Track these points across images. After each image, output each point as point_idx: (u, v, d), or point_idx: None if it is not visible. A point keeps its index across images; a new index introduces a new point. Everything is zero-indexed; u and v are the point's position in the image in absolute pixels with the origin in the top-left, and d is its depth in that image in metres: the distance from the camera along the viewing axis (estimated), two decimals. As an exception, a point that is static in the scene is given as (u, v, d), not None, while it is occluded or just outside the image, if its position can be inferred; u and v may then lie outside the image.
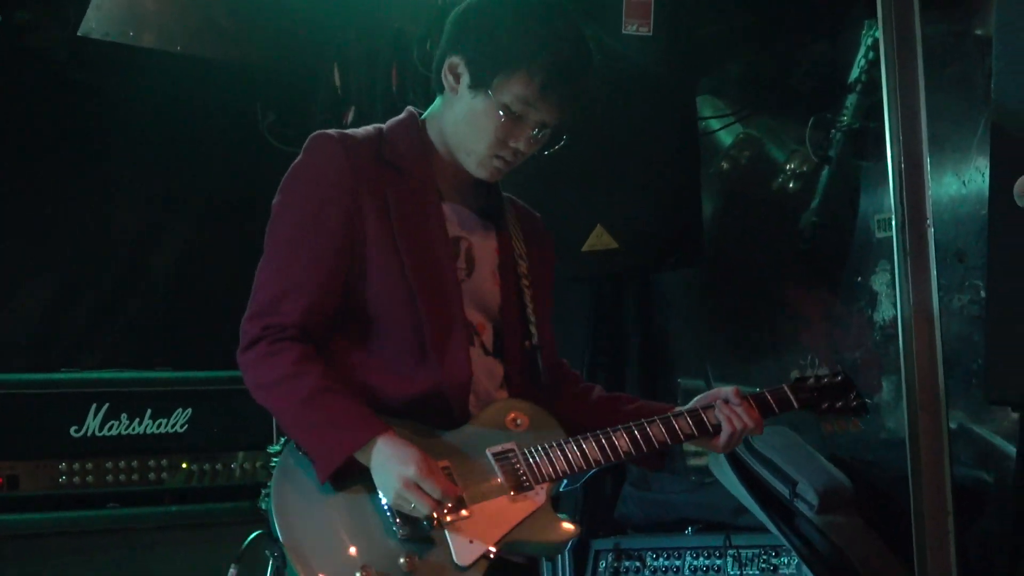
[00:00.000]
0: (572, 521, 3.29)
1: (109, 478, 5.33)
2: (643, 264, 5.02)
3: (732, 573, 5.17)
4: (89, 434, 5.33)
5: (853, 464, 5.47)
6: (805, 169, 6.04)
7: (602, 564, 5.49)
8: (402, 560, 3.14)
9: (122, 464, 5.36)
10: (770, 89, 5.96)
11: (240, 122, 6.69)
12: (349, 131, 3.33)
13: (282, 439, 3.32)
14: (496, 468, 3.23)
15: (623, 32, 4.92)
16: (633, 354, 6.29)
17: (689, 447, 6.27)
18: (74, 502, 5.31)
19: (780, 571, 5.08)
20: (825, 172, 5.93)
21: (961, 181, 5.50)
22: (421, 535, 3.17)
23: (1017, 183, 3.42)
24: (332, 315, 3.26)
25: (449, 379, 3.24)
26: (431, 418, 3.26)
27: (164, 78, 6.40)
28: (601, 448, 3.32)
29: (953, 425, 4.88)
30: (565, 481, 3.36)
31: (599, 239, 4.90)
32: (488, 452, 3.25)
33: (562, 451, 3.27)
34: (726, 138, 6.25)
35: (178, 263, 6.42)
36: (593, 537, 5.60)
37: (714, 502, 5.35)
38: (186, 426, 5.49)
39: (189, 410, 5.48)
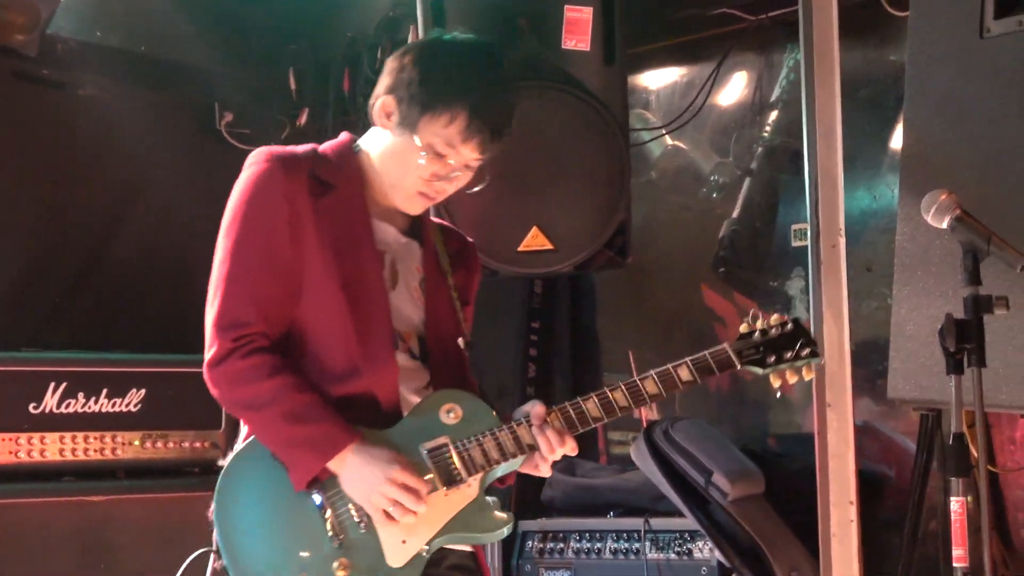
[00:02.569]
0: (504, 510, 3.23)
1: (66, 453, 5.30)
2: (575, 264, 5.01)
3: (650, 556, 5.19)
4: (47, 411, 5.29)
5: (764, 456, 5.52)
6: (728, 180, 6.07)
7: (528, 544, 5.50)
8: (335, 565, 3.12)
9: (78, 439, 5.33)
10: (697, 104, 5.97)
11: (199, 121, 6.65)
12: (288, 147, 3.31)
13: (234, 445, 3.28)
14: (429, 464, 3.17)
15: (562, 47, 4.92)
16: (563, 348, 6.31)
17: (613, 435, 6.31)
18: (32, 475, 5.28)
19: (695, 554, 5.10)
20: (746, 183, 5.98)
21: (872, 196, 5.55)
22: (355, 539, 3.14)
23: (924, 199, 3.44)
24: (288, 319, 3.23)
25: (378, 379, 3.20)
26: (368, 418, 3.20)
27: (128, 76, 6.36)
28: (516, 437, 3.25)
29: (858, 422, 4.92)
30: (500, 469, 3.24)
31: (535, 240, 4.89)
32: (422, 448, 3.18)
33: (494, 439, 3.20)
34: (655, 149, 6.27)
35: (138, 250, 6.37)
36: (520, 519, 5.60)
37: (634, 488, 5.38)
38: (140, 405, 5.46)
39: (143, 390, 5.45)
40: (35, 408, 5.27)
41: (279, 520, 3.17)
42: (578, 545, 5.39)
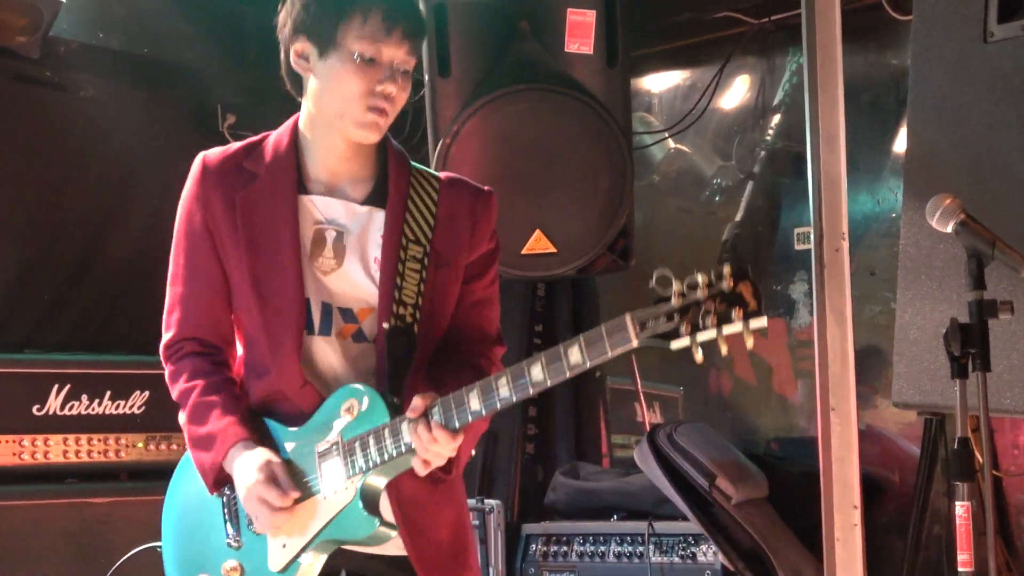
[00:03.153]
0: (375, 513, 2.98)
1: (69, 455, 5.30)
2: (577, 267, 5.02)
3: (654, 559, 5.19)
4: (51, 412, 5.30)
5: (767, 459, 5.52)
6: (730, 184, 6.08)
7: (532, 547, 5.50)
8: (227, 567, 3.12)
9: (82, 441, 5.33)
10: (699, 108, 5.98)
11: (201, 123, 6.66)
12: (224, 147, 3.25)
13: None
14: (317, 466, 3.05)
15: (565, 51, 4.93)
16: (565, 351, 6.30)
17: (616, 439, 6.31)
18: (35, 476, 5.28)
19: (698, 558, 5.10)
20: (749, 187, 5.98)
21: (875, 200, 5.56)
22: (247, 542, 3.12)
23: (928, 203, 3.44)
24: (227, 321, 3.21)
25: (282, 377, 3.10)
26: (283, 415, 3.13)
27: (130, 78, 6.36)
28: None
29: (861, 426, 4.92)
30: (386, 470, 2.99)
31: (538, 243, 4.91)
32: (316, 449, 3.06)
33: (377, 439, 2.98)
34: (658, 153, 6.28)
35: (138, 252, 6.37)
36: (524, 522, 5.61)
37: (638, 492, 5.37)
38: (143, 407, 5.47)
39: (147, 392, 5.46)
40: (38, 410, 5.27)
41: (193, 520, 3.21)
42: (582, 548, 5.39)
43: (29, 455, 5.24)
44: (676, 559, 5.16)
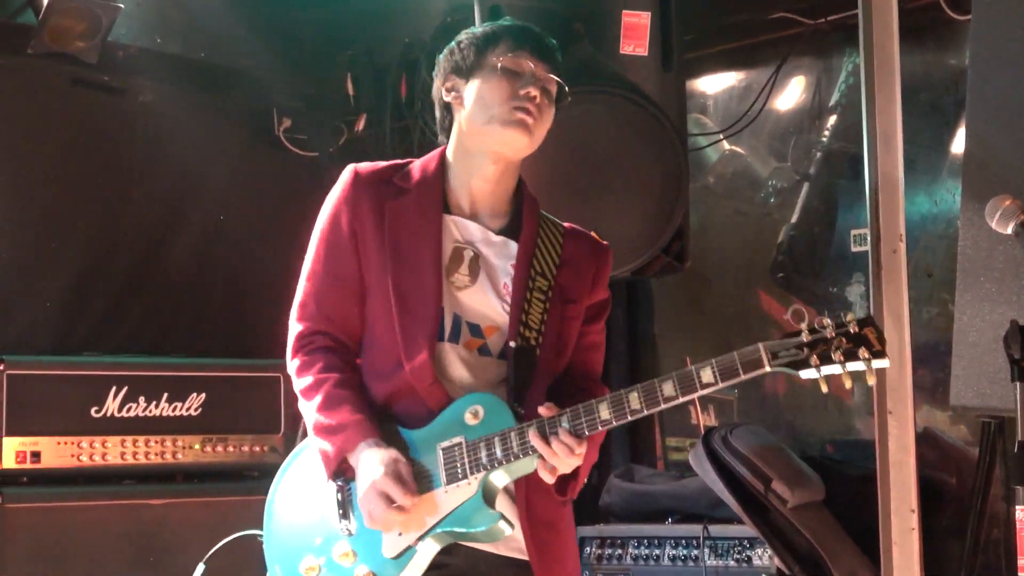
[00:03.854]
0: (496, 509, 3.17)
1: (127, 456, 5.34)
2: (632, 269, 5.00)
3: (709, 562, 5.17)
4: (108, 414, 5.34)
5: (823, 463, 5.47)
6: (786, 185, 6.04)
7: (587, 550, 5.48)
8: (339, 552, 3.25)
9: (139, 443, 5.37)
10: (755, 109, 5.95)
11: (257, 126, 6.70)
12: (374, 163, 3.47)
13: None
14: (440, 462, 3.23)
15: (620, 52, 4.91)
16: (620, 354, 6.29)
17: (670, 442, 6.29)
18: (92, 478, 5.32)
19: (754, 562, 5.07)
20: (804, 188, 5.94)
21: (933, 201, 5.51)
22: (361, 530, 3.24)
23: (988, 204, 3.41)
24: (358, 320, 3.39)
25: (415, 378, 3.27)
26: (410, 413, 3.30)
27: (187, 82, 6.41)
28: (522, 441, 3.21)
29: (919, 429, 4.88)
30: (507, 470, 3.19)
31: (592, 245, 4.89)
32: (438, 447, 3.24)
33: (502, 441, 3.18)
34: (712, 155, 6.25)
35: (196, 254, 6.42)
36: (579, 524, 5.58)
37: (693, 495, 5.35)
38: (200, 409, 5.50)
39: (203, 394, 5.49)
40: (96, 412, 5.32)
41: (306, 508, 3.35)
42: (636, 551, 5.37)
43: (87, 457, 5.29)
44: (731, 562, 5.13)
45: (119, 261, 6.22)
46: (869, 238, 4.57)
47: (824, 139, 5.91)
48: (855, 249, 5.69)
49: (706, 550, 5.18)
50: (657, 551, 5.33)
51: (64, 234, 6.05)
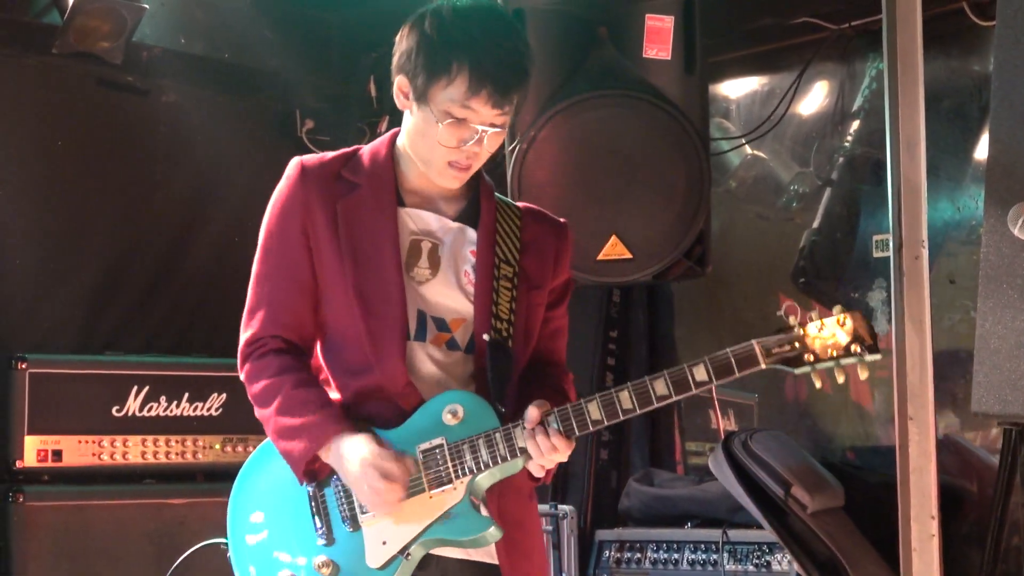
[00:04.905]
0: (486, 514, 3.11)
1: (147, 456, 5.36)
2: (653, 273, 5.00)
3: (728, 567, 5.16)
4: (130, 414, 5.36)
5: (843, 468, 5.46)
6: (808, 190, 6.03)
7: (605, 554, 5.47)
8: (318, 563, 3.14)
9: (160, 443, 5.38)
10: (777, 114, 5.94)
11: (280, 127, 6.71)
12: (320, 154, 3.33)
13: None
14: (420, 465, 3.12)
15: (643, 56, 4.91)
16: (640, 358, 6.28)
17: (690, 446, 6.28)
18: (113, 477, 5.34)
19: (773, 567, 5.06)
20: (827, 193, 5.93)
21: (955, 207, 5.50)
22: (340, 538, 3.15)
23: (1010, 211, 3.40)
24: (311, 322, 3.27)
25: (386, 374, 3.16)
26: (381, 414, 3.18)
27: (211, 83, 6.43)
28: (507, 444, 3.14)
29: (939, 435, 4.86)
30: (493, 472, 3.11)
31: (614, 248, 4.89)
32: (417, 449, 3.12)
33: (488, 442, 3.10)
34: (735, 159, 6.24)
35: (218, 255, 6.43)
36: (598, 528, 5.59)
37: (712, 499, 5.34)
38: (220, 409, 5.51)
39: (224, 394, 5.50)
40: (118, 411, 5.34)
41: (276, 517, 3.23)
42: (655, 555, 5.36)
43: (108, 456, 5.31)
44: (751, 567, 5.12)
45: (142, 261, 6.23)
46: (891, 244, 4.56)
47: (847, 144, 5.89)
48: (877, 255, 5.67)
49: (725, 555, 5.17)
50: (676, 555, 5.32)
51: (87, 234, 6.07)
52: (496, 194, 3.37)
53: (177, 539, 5.36)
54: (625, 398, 3.08)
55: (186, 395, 5.47)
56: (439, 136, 3.14)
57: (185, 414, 5.47)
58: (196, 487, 5.49)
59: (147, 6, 5.66)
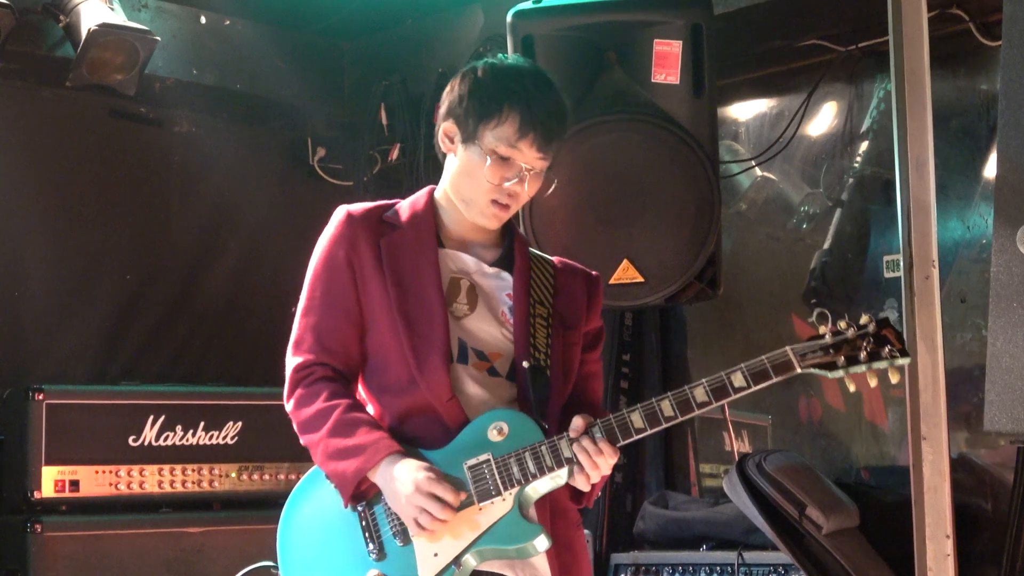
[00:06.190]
0: (536, 522, 3.20)
1: (164, 485, 5.36)
2: (665, 296, 5.00)
3: (744, 589, 5.15)
4: (146, 443, 5.37)
5: (858, 488, 5.44)
6: (818, 211, 6.03)
7: (621, 577, 5.48)
8: (372, 575, 3.21)
9: (176, 472, 5.39)
10: (787, 136, 5.94)
11: (292, 156, 6.74)
12: (364, 203, 3.49)
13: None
14: (468, 480, 3.22)
15: (652, 80, 4.92)
16: (653, 380, 6.27)
17: (704, 468, 6.27)
18: (130, 506, 5.34)
19: (789, 588, 5.06)
20: (837, 214, 5.93)
21: (966, 226, 5.49)
22: (391, 553, 3.22)
23: (1020, 230, 3.40)
24: (357, 351, 3.39)
25: (433, 391, 3.27)
26: (425, 434, 3.29)
27: (223, 113, 6.46)
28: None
29: (953, 454, 4.85)
30: (540, 484, 3.21)
31: (626, 272, 4.89)
32: (464, 465, 3.23)
33: (534, 454, 3.21)
34: (745, 181, 6.24)
35: (231, 284, 6.45)
36: (613, 551, 5.58)
37: (727, 521, 5.33)
38: (236, 438, 5.52)
39: (240, 423, 5.51)
40: (134, 441, 5.35)
41: (326, 538, 3.31)
42: (671, 578, 5.36)
43: (125, 485, 5.31)
44: (767, 589, 5.12)
45: (156, 291, 6.26)
46: (902, 264, 4.56)
47: (856, 165, 5.89)
48: (888, 275, 5.66)
49: (741, 576, 5.17)
50: (692, 578, 5.32)
51: (102, 265, 6.10)
52: (531, 248, 3.56)
53: (195, 567, 5.36)
54: (667, 407, 3.24)
55: (202, 424, 5.48)
56: (485, 172, 3.33)
57: (201, 443, 5.48)
58: (213, 515, 5.49)
59: (159, 38, 5.69)
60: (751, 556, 5.18)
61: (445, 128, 3.43)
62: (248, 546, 5.36)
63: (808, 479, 5.21)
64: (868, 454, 5.84)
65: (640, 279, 4.91)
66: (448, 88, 3.46)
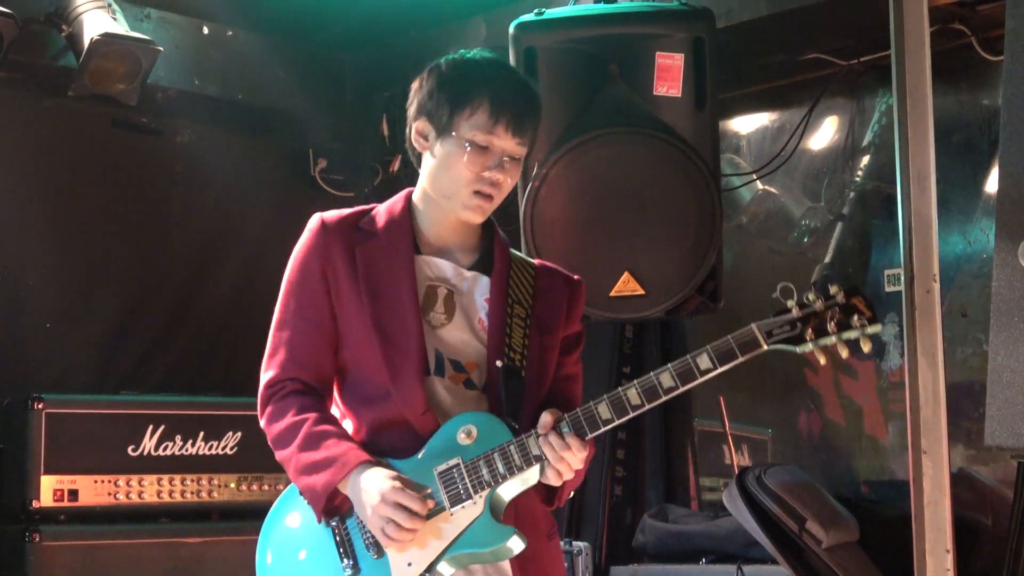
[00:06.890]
0: (507, 523, 3.17)
1: (163, 495, 5.35)
2: (666, 309, 4.99)
3: (743, 602, 5.15)
4: (145, 453, 5.36)
5: (858, 503, 5.44)
6: (819, 225, 6.03)
7: (621, 590, 5.47)
8: None
9: (175, 482, 5.38)
10: (788, 150, 5.94)
11: (294, 167, 6.74)
12: (339, 210, 3.45)
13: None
14: (439, 486, 3.19)
15: (654, 93, 4.92)
16: (653, 394, 6.26)
17: (704, 481, 6.26)
18: (129, 516, 5.34)
19: (788, 602, 5.05)
20: (838, 228, 5.93)
21: (967, 241, 5.49)
22: (365, 567, 3.19)
23: (1021, 245, 3.39)
24: (329, 364, 3.37)
25: (407, 403, 3.24)
26: (397, 445, 3.26)
27: (225, 123, 6.46)
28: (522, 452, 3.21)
29: (954, 469, 4.84)
30: (511, 484, 3.18)
31: (626, 285, 4.88)
32: (434, 471, 3.20)
33: (502, 454, 3.17)
34: (746, 194, 6.25)
35: (232, 294, 6.45)
36: (613, 564, 5.57)
37: (727, 535, 5.32)
38: (236, 448, 5.51)
39: (239, 433, 5.50)
40: (133, 450, 5.34)
41: (301, 555, 3.28)
42: (670, 591, 5.36)
43: (124, 495, 5.31)
44: (766, 603, 5.11)
45: (157, 301, 6.25)
46: (903, 278, 4.55)
47: (858, 179, 5.90)
48: (889, 289, 5.66)
49: (740, 590, 5.16)
50: (691, 591, 5.31)
51: (103, 274, 6.10)
52: (512, 250, 3.50)
53: (195, 577, 5.36)
54: (633, 395, 3.17)
55: (201, 434, 5.48)
56: (464, 162, 3.28)
57: (200, 453, 5.47)
58: (212, 526, 5.49)
59: (161, 48, 5.69)
60: (751, 570, 5.17)
61: (417, 127, 3.38)
62: (247, 556, 5.27)
63: (808, 493, 5.20)
64: (868, 468, 5.84)
65: (641, 291, 4.90)
66: (414, 87, 3.41)
